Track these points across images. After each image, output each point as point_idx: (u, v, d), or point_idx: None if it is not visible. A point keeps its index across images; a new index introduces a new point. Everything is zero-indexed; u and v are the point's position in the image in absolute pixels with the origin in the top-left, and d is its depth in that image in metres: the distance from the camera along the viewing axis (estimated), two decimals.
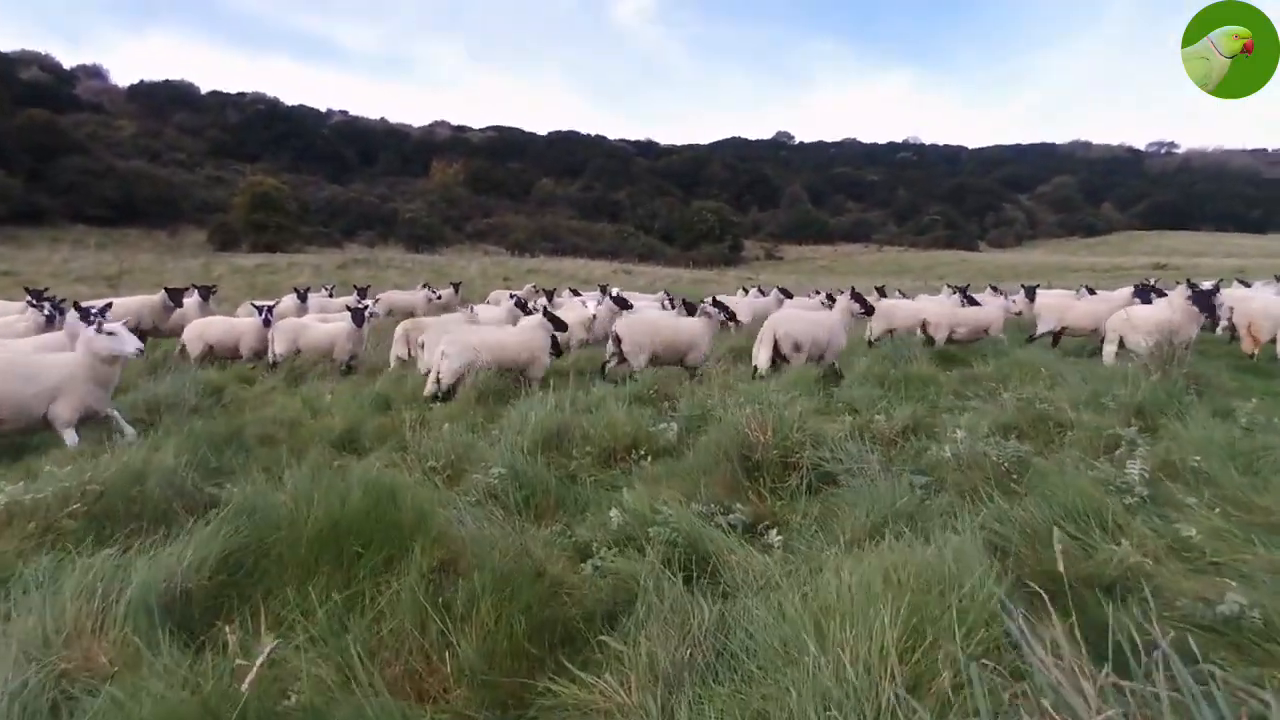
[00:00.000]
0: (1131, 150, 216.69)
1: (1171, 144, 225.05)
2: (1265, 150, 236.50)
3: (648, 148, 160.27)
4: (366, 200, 77.88)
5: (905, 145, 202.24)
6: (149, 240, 54.78)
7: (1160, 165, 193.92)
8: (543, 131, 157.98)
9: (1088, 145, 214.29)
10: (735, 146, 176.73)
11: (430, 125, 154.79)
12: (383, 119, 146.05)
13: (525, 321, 10.04)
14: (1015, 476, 3.92)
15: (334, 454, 4.87)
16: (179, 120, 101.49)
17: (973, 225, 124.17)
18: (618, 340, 9.89)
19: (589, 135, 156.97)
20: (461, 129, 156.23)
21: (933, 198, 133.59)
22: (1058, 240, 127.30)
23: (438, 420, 5.72)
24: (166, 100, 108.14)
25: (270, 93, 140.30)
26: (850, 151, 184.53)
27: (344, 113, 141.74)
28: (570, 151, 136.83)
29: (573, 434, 4.72)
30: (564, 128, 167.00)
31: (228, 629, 2.63)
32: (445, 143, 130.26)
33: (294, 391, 7.96)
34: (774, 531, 3.60)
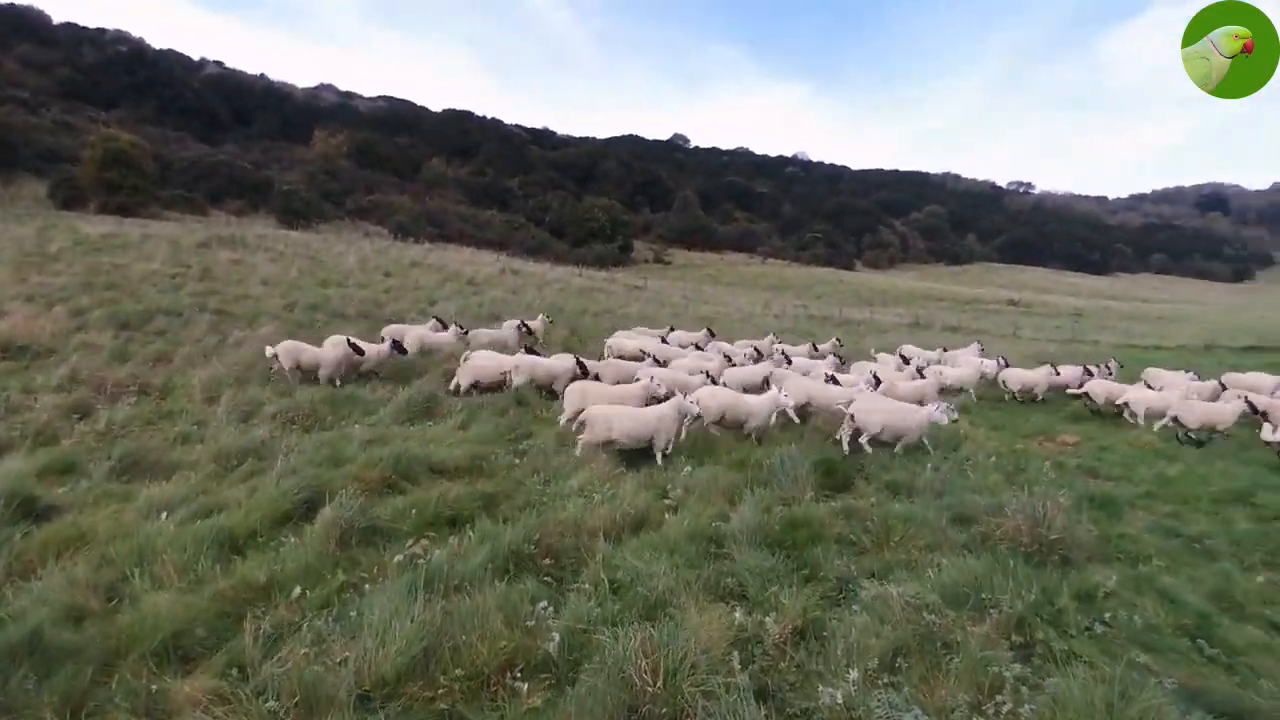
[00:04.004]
0: (994, 186, 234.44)
1: (1029, 184, 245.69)
2: (1106, 198, 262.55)
3: (544, 136, 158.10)
4: (238, 165, 72.18)
5: (794, 160, 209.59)
6: None
7: (1018, 203, 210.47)
8: (437, 108, 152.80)
9: (957, 178, 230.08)
10: (631, 144, 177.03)
11: (315, 88, 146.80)
12: (263, 75, 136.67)
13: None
14: None
15: (153, 674, 4.13)
16: (22, 53, 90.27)
17: (850, 245, 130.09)
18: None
19: (485, 117, 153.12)
20: (350, 95, 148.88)
21: (816, 214, 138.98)
22: (927, 266, 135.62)
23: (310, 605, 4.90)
24: (8, 28, 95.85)
25: (135, 32, 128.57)
26: (742, 161, 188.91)
27: (219, 64, 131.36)
28: (464, 132, 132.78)
29: (442, 651, 4.22)
30: (460, 106, 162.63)
31: None
32: (331, 109, 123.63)
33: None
34: None
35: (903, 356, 18.62)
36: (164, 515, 6.09)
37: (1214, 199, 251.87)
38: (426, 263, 35.40)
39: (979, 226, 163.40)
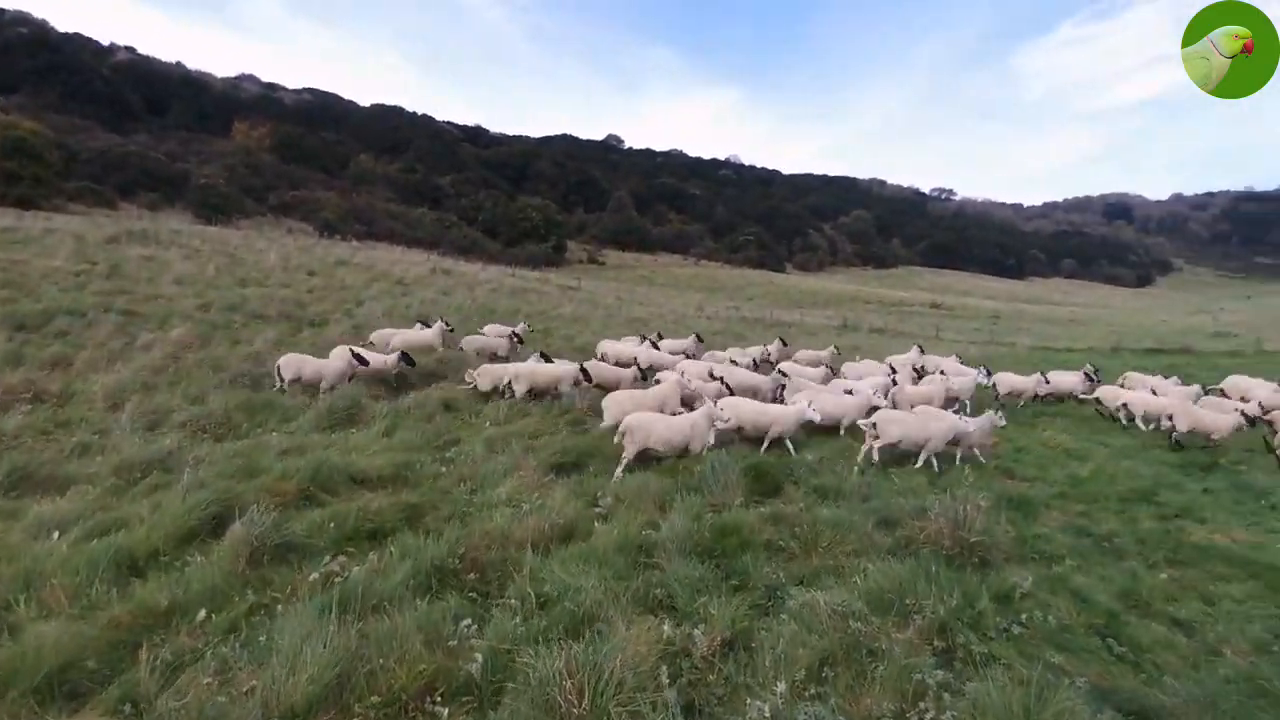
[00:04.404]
0: (918, 193, 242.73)
1: (950, 191, 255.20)
2: (1021, 205, 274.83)
3: (476, 134, 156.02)
4: (151, 157, 68.75)
5: (727, 163, 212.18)
6: None
7: (940, 209, 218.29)
8: (365, 102, 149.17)
9: (883, 184, 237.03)
10: (566, 144, 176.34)
11: (236, 78, 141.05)
12: (179, 64, 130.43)
13: None
14: None
15: (35, 712, 3.74)
16: None
17: (782, 248, 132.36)
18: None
19: (415, 113, 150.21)
20: (273, 87, 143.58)
21: (748, 217, 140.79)
22: (854, 269, 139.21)
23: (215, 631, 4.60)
24: None
25: (38, 13, 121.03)
26: (676, 163, 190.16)
27: (131, 50, 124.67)
28: (394, 128, 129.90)
29: (358, 677, 4.00)
30: (389, 101, 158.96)
31: None
32: (252, 100, 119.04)
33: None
34: None
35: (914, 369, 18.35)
36: (55, 534, 5.69)
37: (1119, 208, 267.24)
38: (353, 261, 34.37)
39: (903, 231, 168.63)
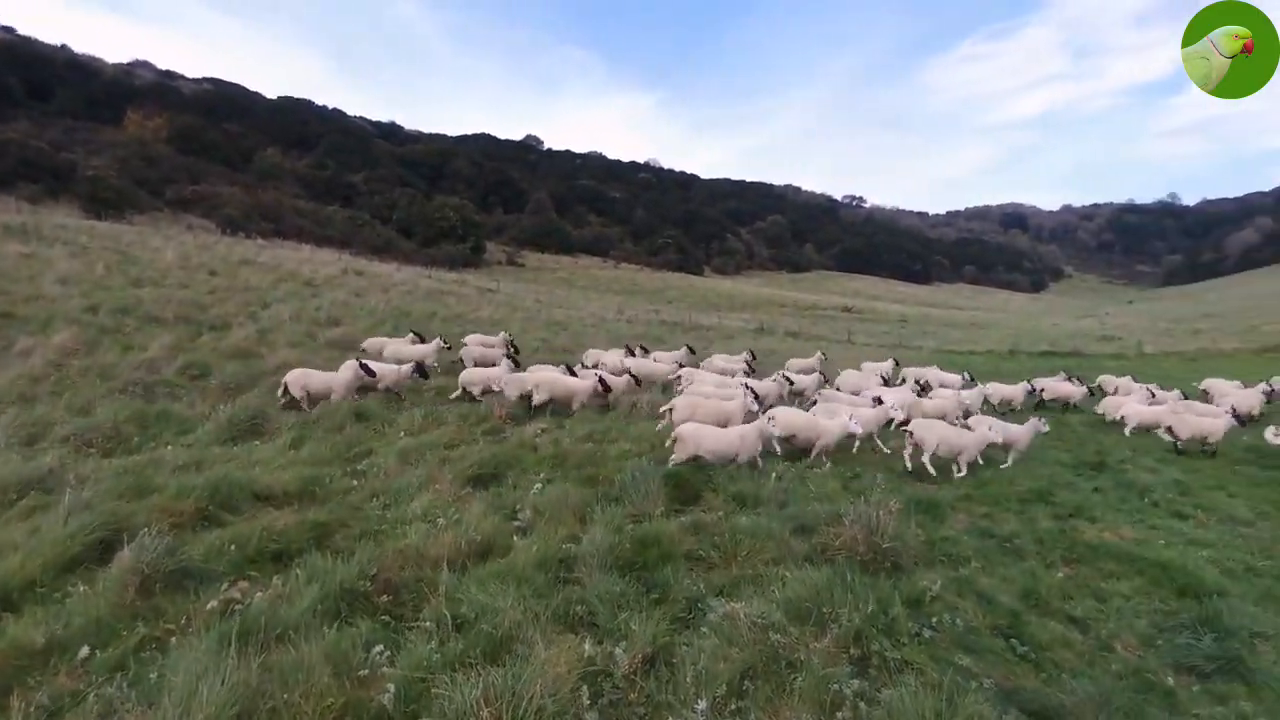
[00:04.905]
0: (830, 199, 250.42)
1: (861, 198, 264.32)
2: (927, 213, 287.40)
3: (391, 131, 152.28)
4: (33, 145, 63.84)
5: (646, 166, 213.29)
6: None
7: (851, 215, 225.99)
8: (271, 94, 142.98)
9: (798, 190, 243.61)
10: (483, 143, 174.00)
11: (130, 65, 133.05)
12: (64, 46, 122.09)
13: None
14: None
15: None
16: None
17: (700, 251, 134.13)
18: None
19: (326, 107, 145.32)
20: (170, 75, 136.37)
21: (667, 220, 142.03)
22: (770, 273, 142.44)
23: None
24: None
25: None
26: (595, 165, 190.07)
27: (9, 30, 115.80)
28: (302, 122, 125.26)
29: (260, 716, 3.75)
30: (297, 93, 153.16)
31: None
32: (148, 88, 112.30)
33: None
34: None
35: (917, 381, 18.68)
36: None
37: (1015, 217, 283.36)
38: (259, 261, 32.90)
39: (817, 237, 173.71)
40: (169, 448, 9.07)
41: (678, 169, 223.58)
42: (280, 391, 11.90)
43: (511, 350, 17.17)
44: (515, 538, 6.75)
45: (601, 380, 13.13)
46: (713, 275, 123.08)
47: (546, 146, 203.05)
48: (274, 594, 5.19)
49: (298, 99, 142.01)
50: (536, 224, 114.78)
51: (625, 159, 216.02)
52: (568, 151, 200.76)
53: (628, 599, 5.57)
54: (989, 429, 11.37)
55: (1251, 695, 5.30)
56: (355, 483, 8.26)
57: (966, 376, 18.35)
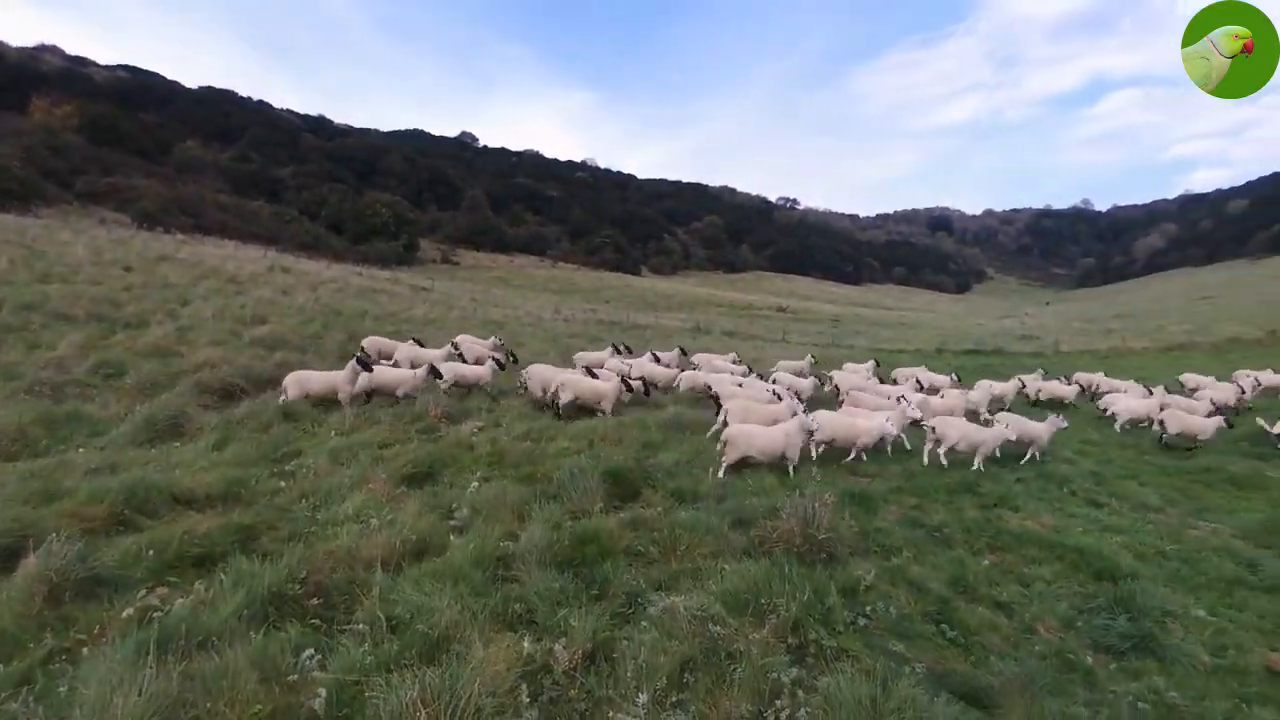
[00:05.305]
0: (765, 201, 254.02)
1: (794, 200, 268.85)
2: (858, 216, 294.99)
3: (320, 125, 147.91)
4: None
5: (583, 165, 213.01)
6: None
7: (786, 217, 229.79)
8: (191, 84, 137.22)
9: (733, 191, 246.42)
10: (417, 140, 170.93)
11: (35, 48, 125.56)
12: None
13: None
14: None
15: None
16: None
17: (637, 251, 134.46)
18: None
19: (249, 99, 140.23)
20: (81, 62, 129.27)
21: (604, 220, 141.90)
22: (706, 273, 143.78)
23: None
24: None
25: None
26: (532, 163, 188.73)
27: None
28: (225, 113, 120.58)
29: None
30: (219, 84, 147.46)
31: None
32: (56, 74, 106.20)
33: None
34: None
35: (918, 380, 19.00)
36: None
37: (941, 220, 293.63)
38: (178, 257, 31.45)
39: (752, 237, 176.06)
40: (80, 450, 8.60)
41: (615, 169, 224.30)
42: (280, 397, 11.41)
43: (509, 357, 17.09)
44: (452, 536, 6.62)
45: (624, 380, 12.99)
46: (650, 275, 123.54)
47: (482, 144, 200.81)
48: (196, 599, 4.96)
49: (220, 89, 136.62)
50: (472, 222, 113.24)
51: (563, 158, 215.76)
52: (504, 149, 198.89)
53: (567, 595, 5.52)
54: (1006, 426, 11.94)
55: (1163, 670, 5.59)
56: (283, 484, 7.96)
57: (954, 377, 18.93)
